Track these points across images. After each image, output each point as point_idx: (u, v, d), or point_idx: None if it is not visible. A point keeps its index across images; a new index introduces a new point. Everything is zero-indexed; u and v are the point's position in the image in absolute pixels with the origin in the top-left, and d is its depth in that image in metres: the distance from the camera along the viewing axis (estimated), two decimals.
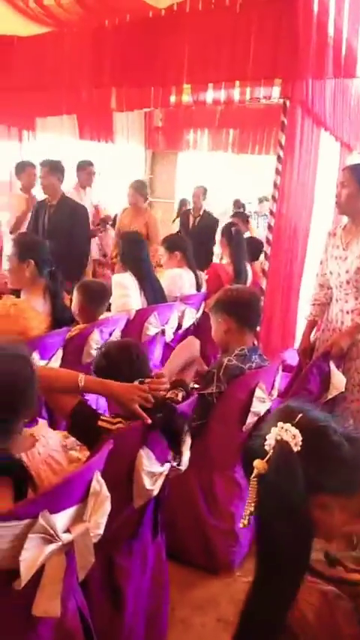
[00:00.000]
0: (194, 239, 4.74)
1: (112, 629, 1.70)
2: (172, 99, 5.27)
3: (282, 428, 0.99)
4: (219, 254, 5.08)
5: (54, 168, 4.36)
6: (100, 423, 1.63)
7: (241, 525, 1.03)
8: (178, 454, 1.72)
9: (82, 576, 1.38)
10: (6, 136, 6.25)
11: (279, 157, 4.11)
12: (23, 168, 5.03)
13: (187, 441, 1.85)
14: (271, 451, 0.99)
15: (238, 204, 8.25)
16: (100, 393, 1.81)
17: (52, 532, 1.21)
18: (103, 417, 1.67)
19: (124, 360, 1.78)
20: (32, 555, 1.18)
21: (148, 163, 9.48)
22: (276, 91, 4.66)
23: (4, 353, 1.37)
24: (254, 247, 4.49)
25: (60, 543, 1.24)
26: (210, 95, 4.96)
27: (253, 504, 1.00)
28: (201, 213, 6.36)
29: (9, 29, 4.72)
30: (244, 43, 3.85)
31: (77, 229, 4.41)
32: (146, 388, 1.65)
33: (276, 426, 1.00)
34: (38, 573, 1.21)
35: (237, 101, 4.93)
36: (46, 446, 1.39)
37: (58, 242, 3.65)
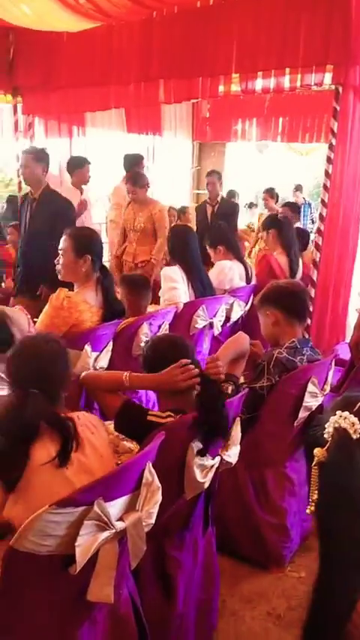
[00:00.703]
0: None
1: (163, 617, 1.72)
2: (221, 89, 5.21)
3: (341, 416, 0.99)
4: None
5: (39, 157, 3.81)
6: (149, 417, 1.65)
7: (307, 512, 1.03)
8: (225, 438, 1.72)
9: (135, 564, 1.41)
10: (57, 133, 6.36)
11: (331, 145, 4.01)
12: (82, 164, 4.96)
13: (237, 435, 1.84)
14: (330, 439, 0.99)
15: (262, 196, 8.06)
16: (145, 387, 1.86)
17: (105, 519, 1.24)
18: (152, 412, 1.69)
19: (170, 351, 1.78)
20: (87, 541, 1.21)
21: (196, 155, 9.44)
22: (328, 77, 4.53)
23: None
24: (301, 238, 4.40)
25: (113, 531, 1.26)
26: (259, 83, 4.86)
27: (316, 491, 1.01)
28: (218, 200, 6.13)
29: (60, 26, 4.80)
30: (294, 29, 3.77)
31: (59, 227, 3.58)
32: (184, 362, 1.71)
33: (335, 414, 0.99)
34: (93, 560, 1.24)
35: (287, 89, 4.81)
36: (86, 416, 1.51)
37: (38, 242, 3.42)
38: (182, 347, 1.84)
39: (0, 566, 1.19)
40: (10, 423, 1.30)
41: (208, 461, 1.67)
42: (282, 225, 4.02)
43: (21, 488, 1.26)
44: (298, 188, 8.93)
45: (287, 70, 4.39)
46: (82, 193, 5.02)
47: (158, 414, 1.68)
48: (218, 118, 8.54)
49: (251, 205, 9.21)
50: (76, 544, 1.18)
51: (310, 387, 2.16)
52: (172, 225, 5.98)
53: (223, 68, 4.20)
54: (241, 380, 2.68)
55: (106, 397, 1.77)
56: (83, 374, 1.86)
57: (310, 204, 9.02)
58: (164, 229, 4.54)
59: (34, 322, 2.42)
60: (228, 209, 6.00)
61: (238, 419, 1.87)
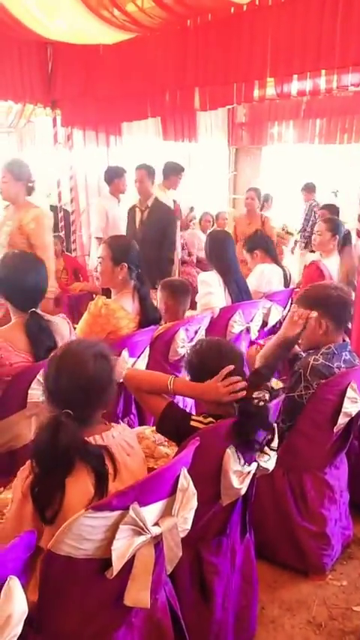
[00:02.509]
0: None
1: (201, 623, 1.72)
2: (256, 93, 5.21)
3: None
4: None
5: (150, 173, 4.67)
6: (192, 423, 1.66)
7: None
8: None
9: (170, 569, 1.42)
10: (94, 142, 6.49)
11: None
12: (120, 175, 5.08)
13: (275, 442, 1.83)
14: None
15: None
16: (188, 395, 1.85)
17: (141, 524, 1.25)
18: (195, 417, 1.70)
19: (214, 360, 1.75)
20: (123, 546, 1.23)
21: (232, 160, 9.44)
22: None
23: (88, 352, 1.43)
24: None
25: (149, 535, 1.28)
26: (295, 86, 4.84)
27: None
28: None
29: (95, 39, 4.90)
30: (329, 30, 3.72)
31: (169, 234, 4.49)
32: (227, 372, 1.68)
33: None
34: (129, 564, 1.26)
35: (323, 90, 4.76)
36: (122, 432, 1.46)
37: (150, 246, 3.71)
38: (229, 354, 1.77)
39: (40, 569, 1.22)
40: (43, 453, 1.27)
41: (245, 467, 1.67)
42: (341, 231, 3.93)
43: (58, 522, 1.22)
44: (334, 192, 8.79)
45: (323, 71, 4.36)
46: (119, 202, 5.10)
47: (200, 419, 1.69)
48: (254, 123, 8.53)
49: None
50: (113, 548, 1.20)
51: (350, 393, 2.12)
52: (210, 230, 6.03)
53: (257, 73, 4.18)
54: (280, 385, 2.66)
55: (151, 398, 1.78)
56: (126, 372, 1.87)
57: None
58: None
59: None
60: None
61: (275, 425, 1.86)
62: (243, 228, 5.52)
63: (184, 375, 1.98)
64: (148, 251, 2.86)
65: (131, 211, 4.91)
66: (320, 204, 6.86)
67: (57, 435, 1.26)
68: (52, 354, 1.47)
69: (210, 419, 1.68)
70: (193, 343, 1.94)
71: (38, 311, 2.15)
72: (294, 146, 8.55)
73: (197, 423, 1.66)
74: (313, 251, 6.78)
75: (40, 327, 2.10)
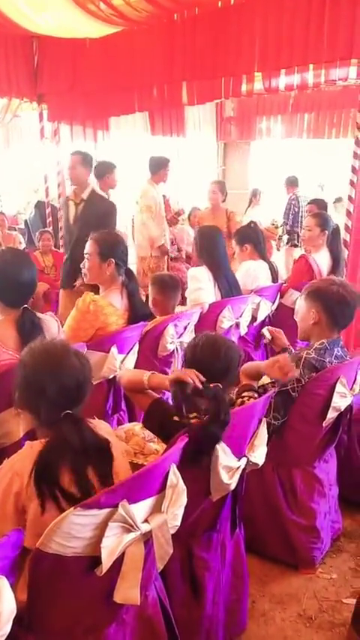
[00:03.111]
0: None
1: (192, 618, 1.73)
2: (244, 88, 5.20)
3: None
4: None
5: (86, 161, 4.11)
6: (175, 418, 1.65)
7: None
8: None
9: (161, 566, 1.42)
10: (82, 137, 6.44)
11: (357, 140, 3.94)
12: (111, 170, 4.97)
13: (264, 436, 1.83)
14: None
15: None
16: (164, 388, 1.84)
17: (130, 521, 1.25)
18: (177, 413, 1.69)
19: (213, 359, 1.75)
20: (112, 543, 1.22)
21: (221, 155, 9.43)
22: (353, 72, 4.47)
23: (73, 353, 1.42)
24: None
25: (139, 532, 1.27)
26: (283, 81, 4.83)
27: None
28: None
29: (82, 32, 4.87)
30: (317, 25, 3.72)
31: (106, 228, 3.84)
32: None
33: None
34: (119, 561, 1.25)
35: (311, 85, 4.76)
36: (97, 425, 1.44)
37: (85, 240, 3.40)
38: (228, 355, 1.77)
39: (28, 567, 1.21)
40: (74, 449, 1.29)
41: (234, 462, 1.67)
42: (330, 225, 3.94)
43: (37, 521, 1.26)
44: (320, 186, 8.81)
45: (311, 66, 4.36)
46: (108, 198, 5.06)
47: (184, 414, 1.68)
48: (242, 117, 8.52)
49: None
50: (102, 545, 1.20)
51: (339, 388, 2.13)
52: (200, 225, 5.97)
53: (245, 67, 4.18)
54: (268, 380, 2.67)
55: (138, 396, 1.79)
56: (119, 374, 1.87)
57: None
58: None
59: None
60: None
61: (264, 420, 1.86)
62: (209, 223, 5.02)
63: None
64: (82, 251, 2.70)
65: (64, 205, 4.36)
66: (300, 198, 6.83)
67: (82, 432, 1.29)
68: (25, 355, 1.42)
69: (194, 414, 1.68)
70: (190, 340, 1.90)
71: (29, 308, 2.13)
72: (282, 141, 8.56)
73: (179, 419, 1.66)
74: (296, 245, 6.81)
75: (33, 324, 2.08)
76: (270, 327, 2.49)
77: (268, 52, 4.00)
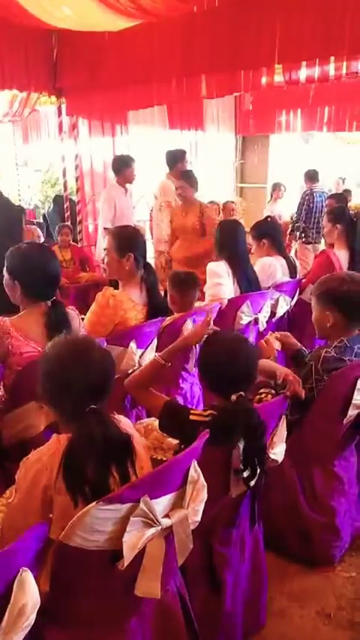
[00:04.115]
0: None
1: (211, 613, 1.73)
2: (264, 80, 5.16)
3: None
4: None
5: None
6: (191, 417, 1.65)
7: None
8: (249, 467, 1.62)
9: (181, 561, 1.42)
10: (100, 132, 6.45)
11: None
12: (128, 164, 4.94)
13: (283, 434, 1.82)
14: None
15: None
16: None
17: (152, 516, 1.25)
18: (194, 411, 1.69)
19: (229, 362, 1.70)
20: (134, 537, 1.23)
21: (239, 149, 9.37)
22: None
23: (97, 348, 1.42)
24: None
25: (159, 527, 1.28)
26: (303, 73, 4.78)
27: None
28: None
29: (101, 26, 4.86)
30: (339, 16, 3.67)
31: (14, 234, 3.75)
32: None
33: None
34: (140, 555, 1.26)
35: (332, 77, 4.70)
36: (122, 421, 1.46)
37: None
38: (245, 357, 1.72)
39: (51, 560, 1.22)
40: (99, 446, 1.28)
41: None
42: (344, 217, 3.90)
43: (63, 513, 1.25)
44: (342, 179, 8.67)
45: (332, 58, 4.30)
46: (126, 192, 5.06)
47: (200, 412, 1.68)
48: (261, 111, 8.46)
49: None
50: (124, 540, 1.20)
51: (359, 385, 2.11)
52: (221, 220, 5.91)
53: (265, 59, 4.14)
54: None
55: (150, 399, 1.79)
56: (126, 381, 1.87)
57: None
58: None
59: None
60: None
61: (283, 417, 1.85)
62: (180, 221, 4.64)
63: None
64: None
65: None
66: (316, 194, 6.70)
67: (107, 428, 1.30)
68: (50, 350, 1.42)
69: (210, 411, 1.68)
70: (204, 346, 1.86)
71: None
72: (302, 134, 8.47)
73: (197, 417, 1.65)
74: (309, 242, 6.72)
75: (64, 316, 2.10)
76: (276, 334, 2.43)
77: (289, 43, 3.96)
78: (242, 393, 1.63)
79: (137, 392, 1.85)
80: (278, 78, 5.02)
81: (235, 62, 4.29)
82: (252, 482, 1.64)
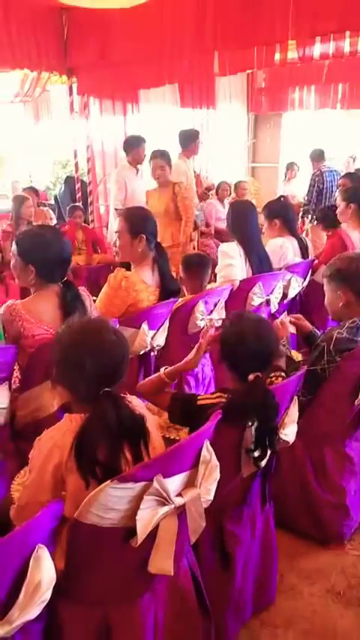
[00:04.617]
0: None
1: (221, 590, 1.76)
2: (277, 57, 5.07)
3: None
4: None
5: None
6: (199, 402, 1.67)
7: None
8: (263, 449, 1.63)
9: (194, 539, 1.44)
10: (111, 111, 6.38)
11: None
12: (138, 144, 4.92)
13: (295, 414, 1.83)
14: None
15: None
16: (180, 371, 1.91)
17: (165, 495, 1.27)
18: (201, 396, 1.71)
19: (251, 341, 1.70)
20: (147, 515, 1.25)
21: (251, 127, 9.24)
22: None
23: (112, 330, 1.42)
24: None
25: (172, 506, 1.30)
26: (317, 49, 4.68)
27: None
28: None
29: (111, 2, 4.77)
30: None
31: None
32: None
33: None
34: (153, 533, 1.28)
35: (347, 53, 4.60)
36: (133, 402, 1.46)
37: None
38: (267, 337, 1.73)
39: (66, 537, 1.25)
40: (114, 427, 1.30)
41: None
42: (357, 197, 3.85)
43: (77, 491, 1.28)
44: (352, 158, 8.48)
45: (347, 33, 4.20)
46: (137, 172, 5.03)
47: (207, 396, 1.71)
48: (274, 88, 8.31)
49: None
50: (137, 518, 1.22)
51: None
52: (232, 200, 5.83)
53: (279, 35, 4.04)
54: (299, 357, 2.65)
55: (157, 399, 1.82)
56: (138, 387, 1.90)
57: None
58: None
59: None
60: None
61: (295, 398, 1.86)
62: (154, 204, 4.45)
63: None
64: None
65: None
66: (325, 174, 6.57)
67: (121, 410, 1.32)
68: (64, 332, 1.43)
69: (218, 393, 1.69)
70: (230, 316, 1.87)
71: None
72: (315, 112, 8.32)
73: (205, 401, 1.67)
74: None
75: (77, 296, 2.13)
76: (289, 317, 2.43)
77: (303, 19, 3.87)
78: (259, 374, 1.64)
79: (144, 397, 1.85)
80: (292, 54, 4.92)
81: (248, 38, 4.20)
82: (262, 463, 1.65)
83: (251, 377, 1.62)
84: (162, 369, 1.84)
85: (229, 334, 1.77)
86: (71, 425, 1.33)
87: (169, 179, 4.52)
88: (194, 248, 5.00)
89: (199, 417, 1.55)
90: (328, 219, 4.17)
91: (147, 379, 1.95)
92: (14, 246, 2.13)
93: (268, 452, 1.65)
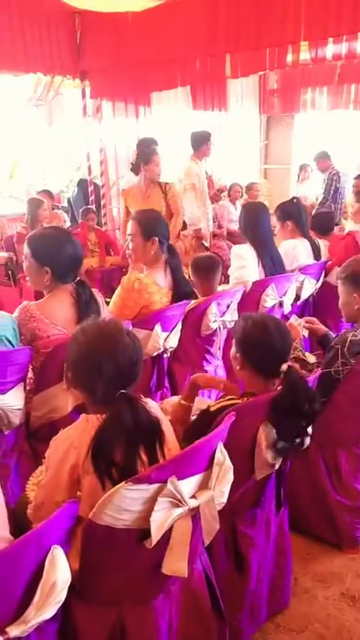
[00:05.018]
0: None
1: (236, 593, 1.76)
2: (289, 58, 5.04)
3: None
4: None
5: None
6: (211, 409, 1.68)
7: None
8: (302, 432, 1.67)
9: (208, 541, 1.44)
10: (124, 114, 6.41)
11: None
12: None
13: None
14: None
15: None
16: (195, 394, 1.92)
17: (179, 497, 1.27)
18: (212, 404, 1.72)
19: (265, 340, 1.71)
20: (161, 517, 1.25)
21: (263, 129, 9.21)
22: None
23: (126, 333, 1.43)
24: None
25: (186, 508, 1.30)
26: (330, 50, 4.66)
27: None
28: None
29: (124, 6, 4.81)
30: None
31: None
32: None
33: None
34: (167, 535, 1.28)
35: None
36: (149, 404, 1.46)
37: None
38: (284, 337, 1.73)
39: (81, 538, 1.25)
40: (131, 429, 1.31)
41: (280, 444, 1.66)
42: None
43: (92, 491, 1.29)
44: None
45: None
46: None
47: (217, 401, 1.72)
48: (286, 89, 8.28)
49: None
50: (151, 519, 1.23)
51: None
52: (245, 201, 5.82)
53: (291, 36, 4.03)
54: (313, 359, 2.64)
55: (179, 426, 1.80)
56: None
57: None
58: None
59: None
60: None
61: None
62: (140, 206, 4.03)
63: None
64: None
65: None
66: (341, 173, 6.52)
67: (137, 412, 1.32)
68: (79, 334, 1.43)
69: (229, 396, 1.70)
70: (241, 318, 1.86)
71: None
72: (328, 113, 8.27)
73: (217, 405, 1.68)
74: (337, 224, 6.57)
75: (91, 296, 2.15)
76: (301, 321, 2.43)
77: (315, 19, 3.86)
78: (289, 364, 1.66)
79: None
80: (304, 55, 4.90)
81: (260, 40, 4.19)
82: (276, 465, 1.65)
83: (284, 366, 1.64)
84: (180, 399, 1.87)
85: (247, 336, 1.75)
86: (87, 425, 1.34)
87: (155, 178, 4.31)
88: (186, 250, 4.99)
89: (213, 421, 1.56)
90: (324, 226, 4.17)
91: (170, 415, 1.91)
92: (26, 249, 2.11)
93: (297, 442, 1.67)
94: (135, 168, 4.29)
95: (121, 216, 5.04)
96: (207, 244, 5.14)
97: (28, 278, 2.21)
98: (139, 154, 4.27)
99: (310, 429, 1.71)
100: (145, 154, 4.25)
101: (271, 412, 1.60)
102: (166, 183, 4.40)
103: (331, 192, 6.50)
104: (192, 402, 1.89)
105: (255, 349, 1.72)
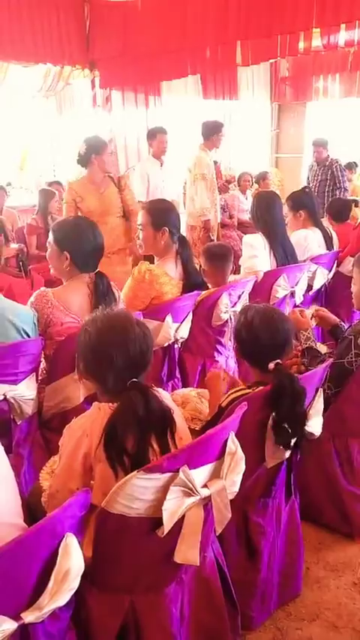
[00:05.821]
0: None
1: (247, 581, 1.77)
2: (301, 45, 4.98)
3: None
4: None
5: None
6: (223, 404, 1.68)
7: None
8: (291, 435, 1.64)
9: (220, 530, 1.45)
10: (133, 103, 6.38)
11: None
12: (154, 135, 4.95)
13: (320, 406, 1.82)
14: None
15: None
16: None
17: (191, 486, 1.28)
18: (223, 399, 1.72)
19: (264, 332, 1.72)
20: (173, 506, 1.26)
21: (275, 117, 9.12)
22: None
23: (137, 323, 1.44)
24: None
25: (198, 497, 1.30)
26: (342, 36, 4.60)
27: None
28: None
29: None
30: None
31: None
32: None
33: None
34: (179, 524, 1.29)
35: None
36: (161, 394, 1.47)
37: None
38: (281, 327, 1.73)
39: (94, 526, 1.27)
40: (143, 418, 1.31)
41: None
42: None
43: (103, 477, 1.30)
44: None
45: None
46: (162, 164, 5.02)
47: (228, 394, 1.72)
48: (298, 77, 8.19)
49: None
50: (164, 508, 1.23)
51: None
52: (257, 191, 5.77)
53: (303, 23, 3.99)
54: (325, 349, 2.63)
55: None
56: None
57: None
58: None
59: None
60: None
61: (320, 390, 1.84)
62: (93, 202, 3.73)
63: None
64: None
65: None
66: (339, 160, 6.37)
67: (149, 401, 1.32)
68: (89, 325, 1.43)
69: (240, 386, 1.71)
70: (239, 311, 1.87)
71: None
72: (340, 101, 8.17)
73: (229, 398, 1.69)
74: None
75: (110, 286, 2.18)
76: (312, 311, 2.42)
77: (327, 6, 3.80)
78: (279, 361, 1.65)
79: None
80: (316, 42, 4.83)
81: (271, 27, 4.15)
82: (287, 454, 1.65)
83: (271, 365, 1.64)
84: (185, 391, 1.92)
85: (239, 329, 1.79)
86: (100, 413, 1.35)
87: (109, 170, 3.84)
88: (194, 242, 4.97)
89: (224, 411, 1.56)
90: (341, 213, 4.14)
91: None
92: (50, 235, 2.18)
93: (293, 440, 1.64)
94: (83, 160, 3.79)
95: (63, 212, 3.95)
96: (213, 237, 5.12)
97: (50, 265, 2.25)
98: (89, 146, 3.77)
99: (307, 428, 1.71)
100: (96, 145, 3.79)
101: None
102: (120, 176, 3.92)
103: (341, 180, 6.38)
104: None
105: (244, 344, 1.77)
